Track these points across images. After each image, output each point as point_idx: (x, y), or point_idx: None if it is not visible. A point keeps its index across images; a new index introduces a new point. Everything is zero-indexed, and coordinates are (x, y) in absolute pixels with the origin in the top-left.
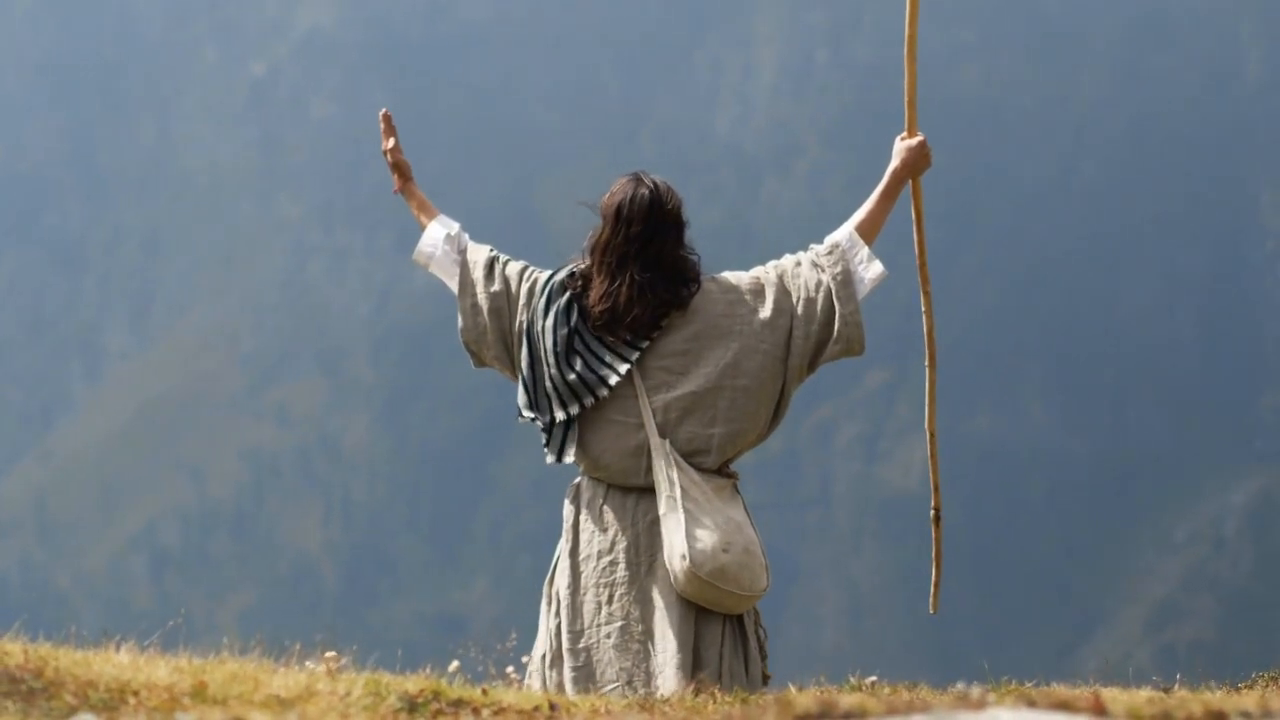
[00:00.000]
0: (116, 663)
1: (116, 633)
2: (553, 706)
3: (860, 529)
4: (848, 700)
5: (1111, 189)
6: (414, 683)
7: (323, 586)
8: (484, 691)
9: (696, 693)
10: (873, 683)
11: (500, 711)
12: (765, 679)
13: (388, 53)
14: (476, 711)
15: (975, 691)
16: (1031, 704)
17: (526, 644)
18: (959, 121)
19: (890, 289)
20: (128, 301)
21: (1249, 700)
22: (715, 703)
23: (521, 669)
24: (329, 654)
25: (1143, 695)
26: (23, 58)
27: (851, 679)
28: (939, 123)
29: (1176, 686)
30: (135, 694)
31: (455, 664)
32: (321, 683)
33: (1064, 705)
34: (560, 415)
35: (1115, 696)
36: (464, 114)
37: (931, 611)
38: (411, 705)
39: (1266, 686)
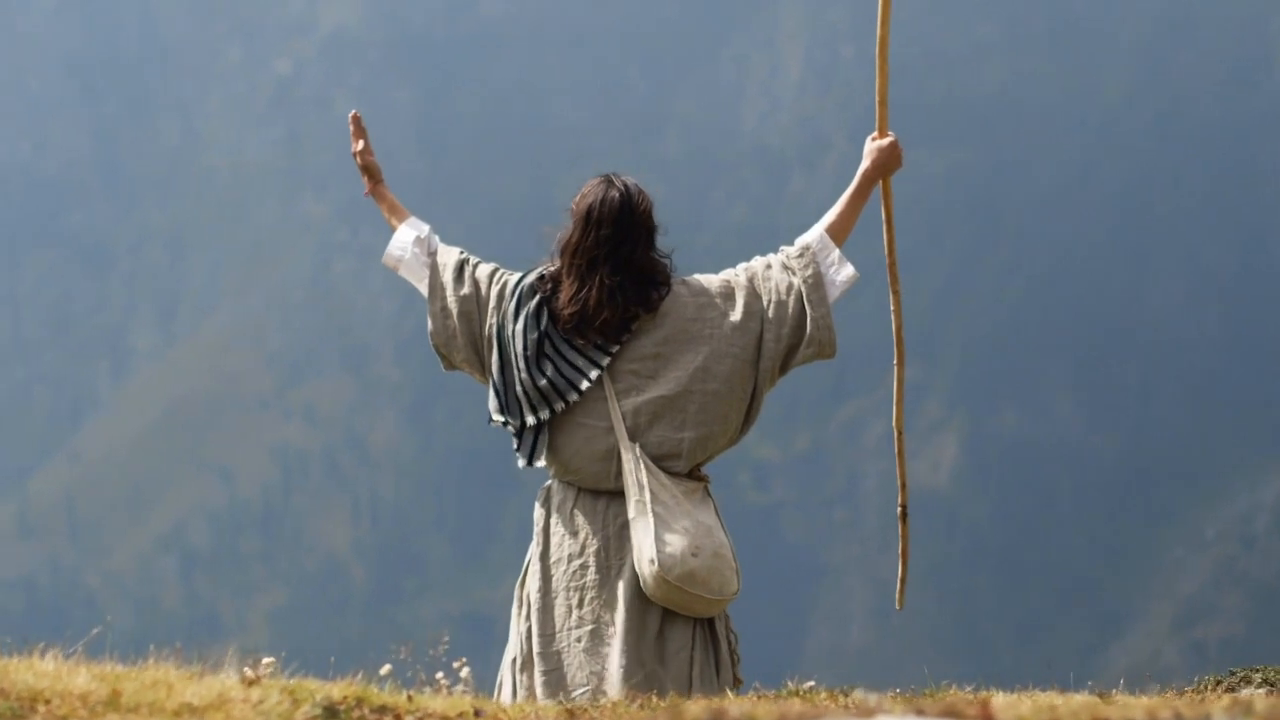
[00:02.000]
0: (38, 670)
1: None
2: (477, 713)
3: (888, 527)
4: (736, 708)
5: (1136, 185)
6: (340, 688)
7: (350, 585)
8: (409, 698)
9: (632, 699)
10: (810, 687)
11: (425, 717)
12: (737, 683)
13: (411, 51)
14: (399, 718)
15: (872, 698)
16: (920, 712)
17: (458, 648)
18: (982, 118)
19: (915, 284)
20: (154, 301)
21: (1137, 707)
22: (644, 709)
23: (453, 674)
24: (265, 659)
25: (1046, 700)
26: (48, 59)
27: (790, 683)
28: (963, 120)
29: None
30: (47, 702)
31: (387, 668)
32: (236, 690)
33: (952, 712)
34: (531, 420)
35: (1013, 703)
36: (487, 111)
37: (898, 607)
38: (332, 711)
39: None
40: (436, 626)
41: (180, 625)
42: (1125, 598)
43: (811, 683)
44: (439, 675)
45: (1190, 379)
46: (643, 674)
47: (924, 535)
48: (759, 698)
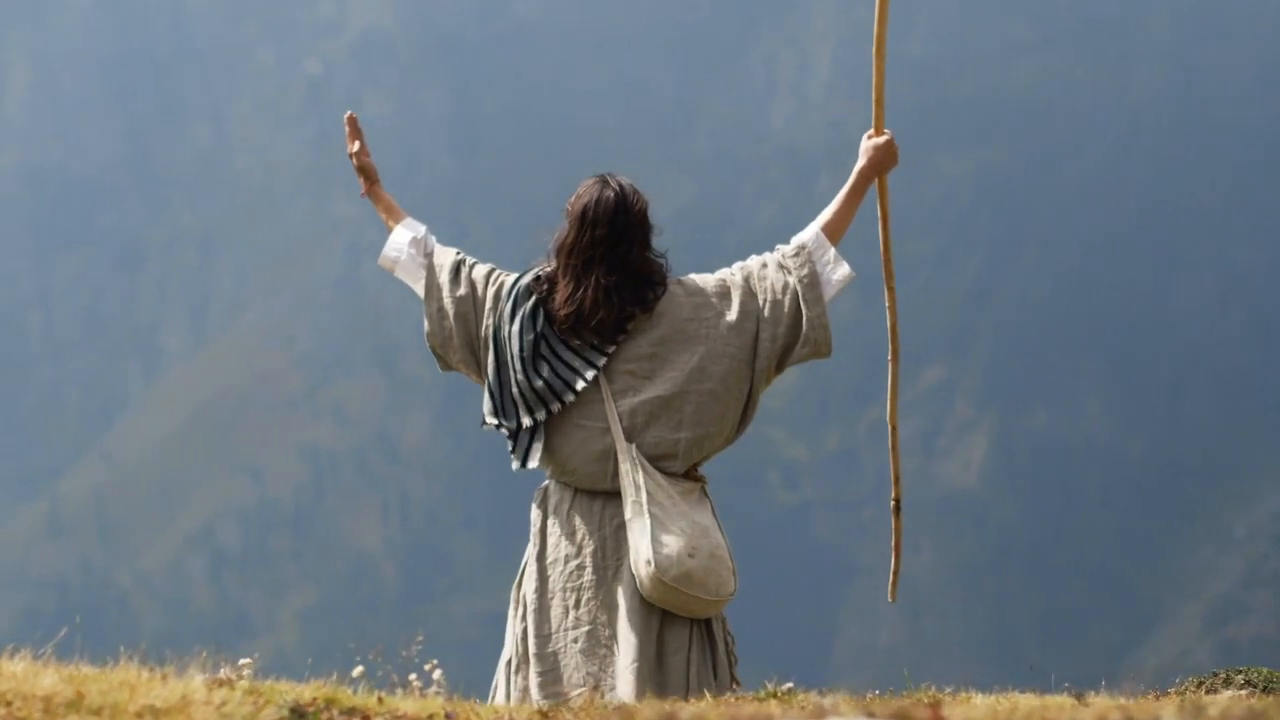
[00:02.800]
0: (5, 671)
1: (176, 633)
2: (448, 715)
3: (918, 527)
4: (687, 711)
5: (1165, 183)
6: (310, 690)
7: (381, 585)
8: (380, 699)
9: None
10: (789, 689)
11: (396, 719)
12: (735, 683)
13: (442, 51)
14: (368, 719)
15: (827, 701)
16: (870, 714)
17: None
18: (1012, 116)
19: (946, 285)
20: (185, 301)
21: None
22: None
23: (425, 675)
24: (243, 660)
25: (1009, 702)
26: (80, 61)
27: (768, 684)
28: (992, 119)
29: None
30: (9, 704)
31: (359, 669)
32: (199, 692)
33: (902, 714)
34: (527, 421)
35: (973, 705)
36: (517, 111)
37: (890, 600)
38: (300, 713)
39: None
40: (466, 626)
41: (210, 625)
42: (1155, 597)
43: (790, 684)
44: (412, 677)
45: (1219, 377)
46: (647, 674)
47: (954, 535)
48: (736, 699)
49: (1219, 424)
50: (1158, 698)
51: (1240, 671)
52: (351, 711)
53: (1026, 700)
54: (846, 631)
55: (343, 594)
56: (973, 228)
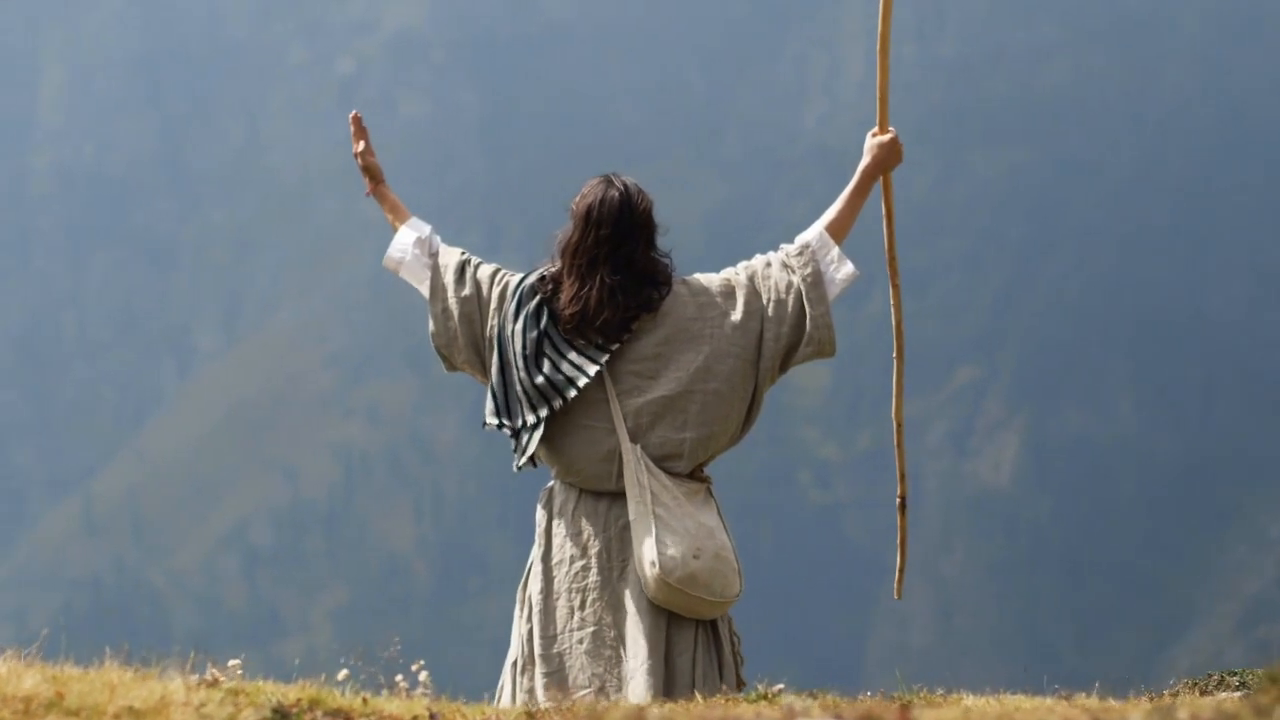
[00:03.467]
0: None
1: (209, 632)
2: (432, 716)
3: (950, 527)
4: (655, 712)
5: (1197, 183)
6: (294, 692)
7: (414, 585)
8: (364, 700)
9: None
10: (779, 690)
11: None
12: (740, 684)
13: (475, 51)
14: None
15: (797, 702)
16: (838, 716)
17: (413, 652)
18: (1045, 116)
19: (978, 285)
20: (218, 301)
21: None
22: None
23: (411, 677)
24: (232, 661)
25: (996, 705)
26: (113, 59)
27: (759, 686)
28: (1024, 119)
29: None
30: None
31: (344, 672)
32: (179, 693)
33: (868, 716)
34: (531, 419)
35: (946, 707)
36: (550, 112)
37: (896, 598)
38: (283, 714)
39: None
40: (499, 625)
41: (243, 624)
42: (1188, 597)
43: (780, 686)
44: (398, 678)
45: (1252, 377)
46: (658, 676)
47: (985, 535)
48: (726, 701)
49: (1252, 423)
50: (1152, 699)
51: (1235, 673)
52: (335, 713)
53: (1014, 701)
54: (879, 632)
55: (375, 593)
56: (1004, 228)
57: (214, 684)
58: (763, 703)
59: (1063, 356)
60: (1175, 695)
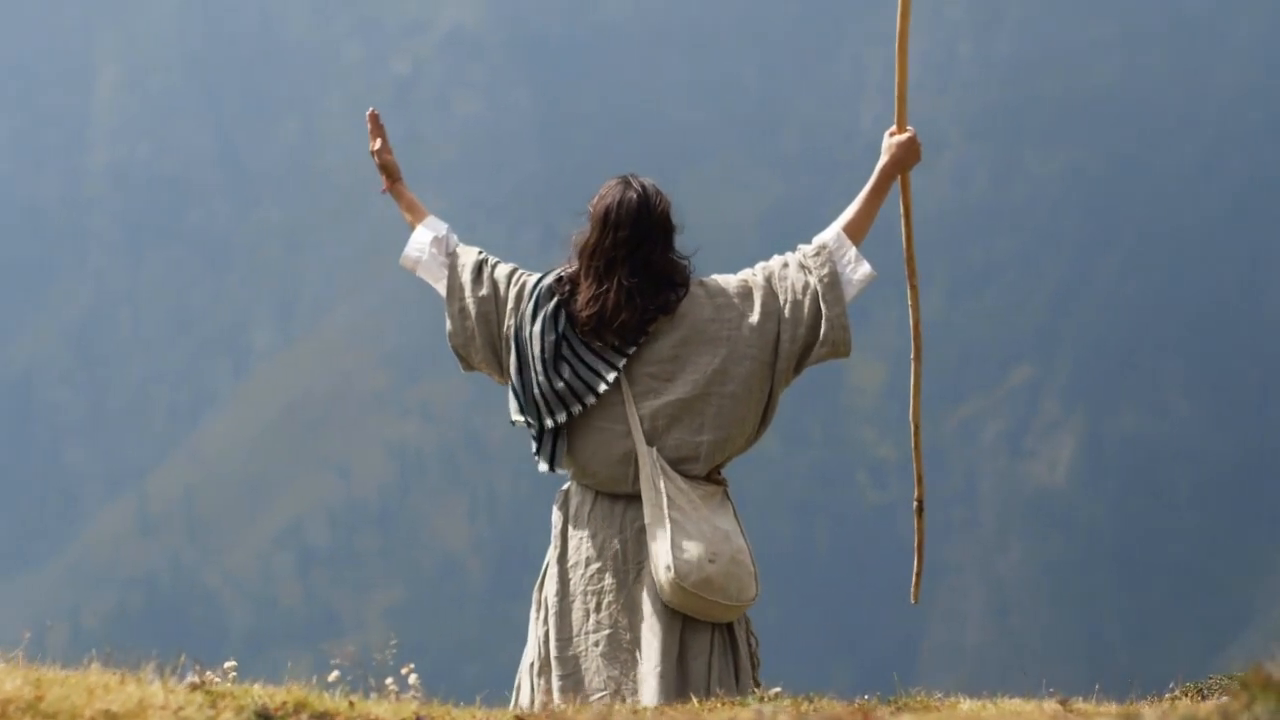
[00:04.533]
0: None
1: (263, 631)
2: (419, 718)
3: (1006, 526)
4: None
5: (1254, 182)
6: (280, 694)
7: (468, 583)
8: (351, 703)
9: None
10: (776, 693)
11: None
12: (757, 687)
13: (530, 50)
14: None
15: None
16: (802, 717)
17: (406, 654)
18: (1100, 116)
19: (1033, 285)
20: (272, 300)
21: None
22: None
23: (402, 680)
24: (228, 663)
25: (976, 709)
26: (167, 59)
27: (756, 689)
28: (1079, 118)
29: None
30: None
31: (335, 674)
32: (156, 696)
33: (835, 718)
34: (549, 423)
35: (926, 712)
36: (605, 111)
37: (913, 602)
38: (267, 717)
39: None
40: None
41: (297, 623)
42: (1244, 598)
43: (778, 689)
44: (388, 681)
45: None
46: (670, 679)
47: (1041, 535)
48: (721, 704)
49: None
50: (1150, 702)
51: (1234, 678)
52: (322, 715)
53: (1011, 705)
54: (934, 632)
55: (430, 592)
56: (1060, 227)
57: (199, 687)
58: (754, 705)
59: (1118, 356)
60: (1174, 699)
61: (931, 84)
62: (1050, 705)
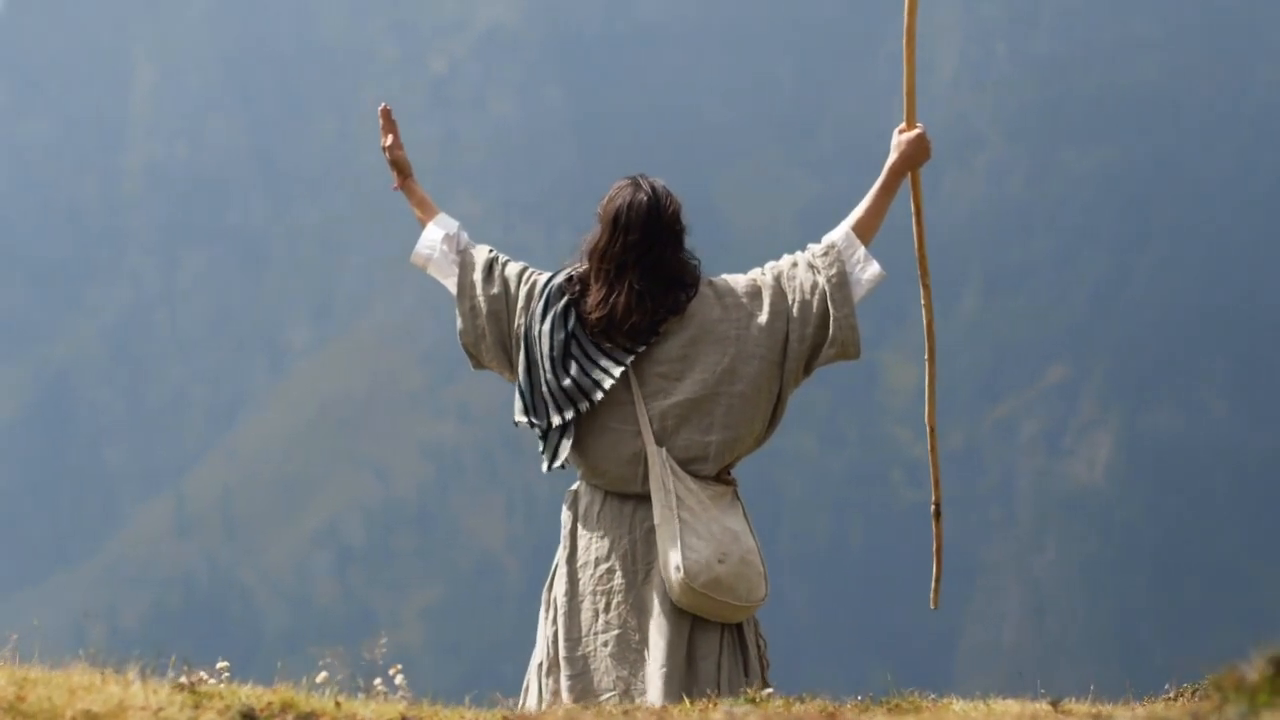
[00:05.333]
0: None
1: (300, 631)
2: (404, 718)
3: (1043, 525)
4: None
5: None
6: (266, 695)
7: (505, 582)
8: (337, 704)
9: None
10: (769, 694)
11: None
12: (766, 688)
13: (566, 50)
14: None
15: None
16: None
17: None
18: (1138, 115)
19: (1071, 283)
20: (309, 299)
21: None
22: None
23: (389, 680)
24: (221, 663)
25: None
26: (204, 58)
27: (748, 690)
28: (1118, 115)
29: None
30: None
31: (323, 675)
32: (136, 697)
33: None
34: (557, 420)
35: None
36: (641, 110)
37: (932, 607)
38: (251, 717)
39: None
40: None
41: (334, 622)
42: None
43: (770, 690)
44: (376, 681)
45: None
46: (677, 679)
47: (1079, 534)
48: (708, 704)
49: None
50: (1136, 705)
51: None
52: (307, 716)
53: (1003, 707)
54: (970, 632)
55: (467, 591)
56: (1098, 225)
57: (186, 688)
58: (725, 705)
59: (1155, 355)
60: (1169, 700)
61: (968, 82)
62: (1040, 706)
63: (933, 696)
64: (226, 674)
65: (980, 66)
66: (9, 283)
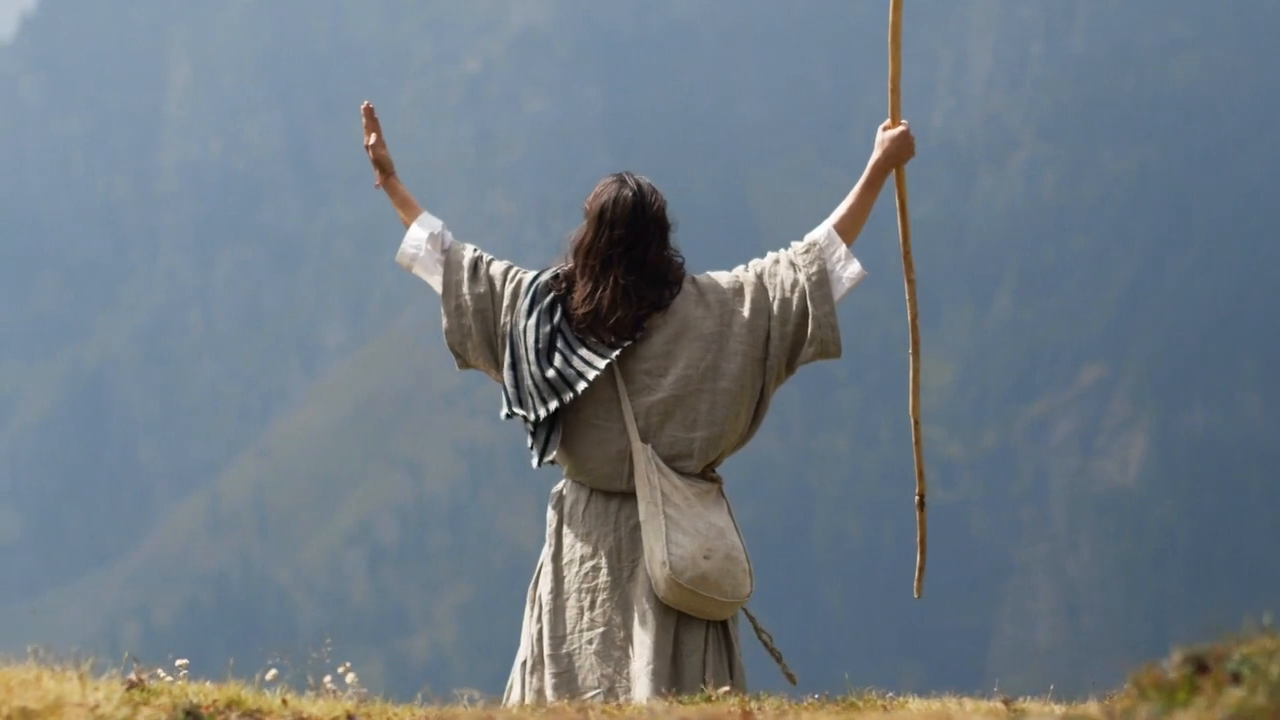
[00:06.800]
0: None
1: (334, 628)
2: (350, 717)
3: (1076, 525)
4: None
5: None
6: (212, 692)
7: None
8: (284, 701)
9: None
10: (725, 692)
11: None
12: (792, 681)
13: (600, 49)
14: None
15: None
16: (683, 717)
17: (342, 653)
18: (1173, 116)
19: (1105, 283)
20: (344, 298)
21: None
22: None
23: (339, 678)
24: (179, 661)
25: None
26: (239, 58)
27: (704, 689)
28: (1153, 116)
29: None
30: None
31: (273, 673)
32: (74, 693)
33: (710, 718)
34: (542, 411)
35: (819, 711)
36: (675, 109)
37: (916, 596)
38: (195, 715)
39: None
40: None
41: (368, 621)
42: None
43: (726, 688)
44: (326, 679)
45: None
46: (663, 677)
47: (1113, 533)
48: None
49: None
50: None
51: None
52: (253, 713)
53: (959, 705)
54: (1004, 631)
55: (500, 590)
56: (1133, 225)
57: (135, 685)
58: (649, 703)
59: (1190, 354)
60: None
61: (1004, 82)
62: (994, 705)
63: (890, 694)
64: (184, 672)
65: (1016, 67)
66: (44, 281)
